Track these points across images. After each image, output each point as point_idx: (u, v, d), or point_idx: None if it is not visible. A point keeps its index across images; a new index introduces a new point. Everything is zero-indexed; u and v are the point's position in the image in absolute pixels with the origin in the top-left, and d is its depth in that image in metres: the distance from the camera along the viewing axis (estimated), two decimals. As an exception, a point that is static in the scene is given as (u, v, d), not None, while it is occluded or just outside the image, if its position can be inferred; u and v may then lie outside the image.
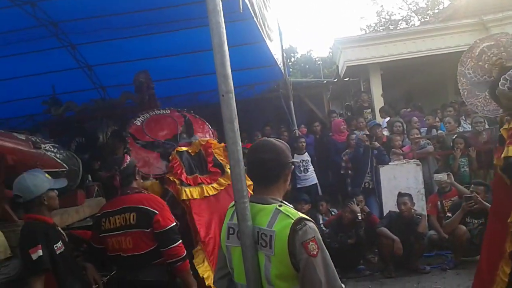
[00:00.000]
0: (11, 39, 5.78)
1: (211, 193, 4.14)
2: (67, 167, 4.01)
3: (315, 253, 1.90)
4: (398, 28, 22.17)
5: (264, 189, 2.12)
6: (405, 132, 7.80)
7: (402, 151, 7.36)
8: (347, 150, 7.73)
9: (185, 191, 4.01)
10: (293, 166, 2.19)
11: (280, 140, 2.24)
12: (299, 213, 2.00)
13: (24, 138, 3.76)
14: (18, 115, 7.71)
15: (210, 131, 4.88)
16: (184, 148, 4.30)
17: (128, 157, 3.44)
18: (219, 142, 4.52)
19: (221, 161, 4.34)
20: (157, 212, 3.15)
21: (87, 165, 5.12)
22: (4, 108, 7.36)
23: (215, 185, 4.21)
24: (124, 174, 3.28)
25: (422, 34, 10.54)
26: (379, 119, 9.41)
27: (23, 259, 2.91)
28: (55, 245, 2.97)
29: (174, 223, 3.24)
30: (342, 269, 5.11)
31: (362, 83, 11.78)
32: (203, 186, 4.13)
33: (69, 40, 6.39)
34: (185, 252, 3.29)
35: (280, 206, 2.01)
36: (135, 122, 4.73)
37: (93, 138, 6.25)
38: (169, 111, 5.01)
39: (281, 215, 1.97)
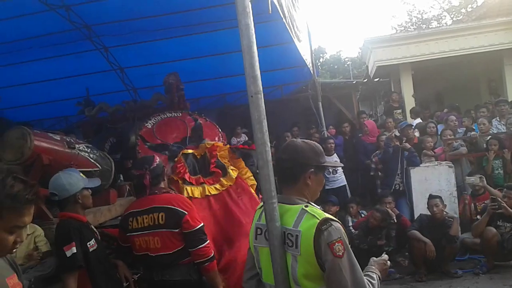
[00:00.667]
0: (47, 42, 5.98)
1: (212, 193, 4.19)
2: (100, 167, 4.10)
3: (341, 254, 1.88)
4: (429, 27, 21.67)
5: (289, 189, 2.13)
6: (438, 134, 7.65)
7: (434, 152, 7.21)
8: (377, 152, 7.63)
9: (186, 189, 4.08)
10: (319, 169, 2.12)
11: (310, 142, 2.22)
12: (325, 213, 2.00)
13: (59, 138, 3.86)
14: (53, 116, 7.95)
15: (220, 134, 4.93)
16: (190, 151, 4.39)
17: (157, 158, 3.47)
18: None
19: (224, 163, 4.40)
20: (187, 213, 3.17)
21: (119, 165, 5.22)
22: (40, 109, 7.62)
23: (217, 185, 4.26)
24: (153, 174, 3.31)
25: (455, 33, 10.27)
26: (409, 120, 9.24)
27: (58, 256, 3.00)
28: (88, 243, 3.04)
29: (202, 224, 3.26)
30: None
31: (393, 84, 11.59)
32: (205, 185, 4.20)
33: (102, 43, 6.55)
34: (213, 252, 3.31)
35: (306, 206, 2.01)
36: (146, 125, 4.84)
37: (125, 138, 6.38)
38: (180, 114, 5.10)
39: (307, 215, 1.97)
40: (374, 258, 2.27)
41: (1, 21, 5.02)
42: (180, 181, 4.11)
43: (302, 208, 2.01)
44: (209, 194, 4.15)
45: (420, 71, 10.78)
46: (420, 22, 25.38)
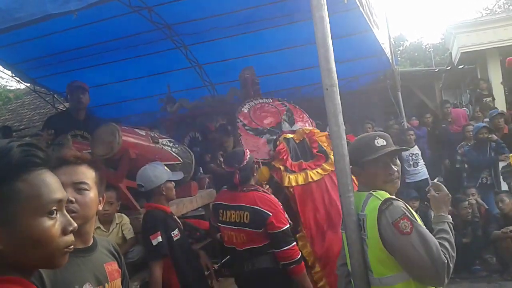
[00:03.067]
0: (132, 43, 6.35)
1: (315, 178, 4.05)
2: (181, 160, 4.27)
3: (408, 230, 1.85)
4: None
5: (359, 180, 2.21)
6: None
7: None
8: (462, 143, 7.20)
9: (289, 177, 4.00)
10: (366, 164, 2.13)
11: (358, 140, 2.28)
12: (389, 195, 1.98)
13: (144, 134, 4.08)
14: (138, 112, 8.38)
15: (309, 121, 4.86)
16: (290, 135, 4.31)
17: (248, 152, 3.45)
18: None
19: (325, 148, 4.29)
20: (271, 214, 3.15)
21: (199, 158, 5.41)
22: (127, 106, 8.09)
23: (319, 170, 4.13)
24: (243, 172, 3.32)
25: (550, 14, 9.38)
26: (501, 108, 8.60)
27: (145, 245, 3.19)
28: (172, 233, 3.19)
29: (288, 225, 3.22)
30: (455, 269, 4.80)
31: (479, 71, 10.83)
32: (308, 171, 4.09)
33: (182, 41, 6.82)
34: (300, 254, 3.26)
35: (374, 191, 2.01)
36: (242, 109, 4.84)
37: (204, 132, 6.61)
38: (271, 100, 5.09)
39: (372, 197, 1.99)
40: (436, 196, 2.14)
41: (90, 25, 5.41)
42: (282, 168, 4.05)
43: (370, 193, 2.03)
44: (311, 180, 4.03)
45: (509, 56, 9.97)
46: (508, 4, 23.39)
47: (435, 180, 2.27)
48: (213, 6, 5.50)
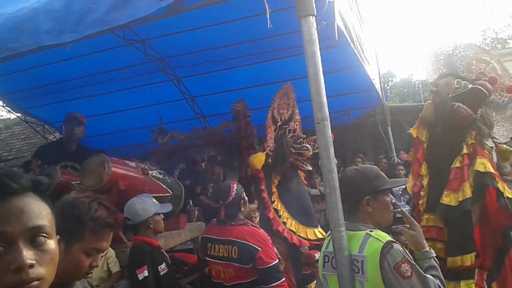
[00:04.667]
0: (125, 75, 6.39)
1: None
2: (171, 192, 4.24)
3: (409, 274, 1.84)
4: (506, 47, 20.48)
5: (352, 218, 2.12)
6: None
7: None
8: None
9: None
10: (376, 193, 2.09)
11: (363, 168, 2.21)
12: (389, 236, 1.95)
13: (134, 165, 4.06)
14: (129, 143, 8.34)
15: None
16: None
17: (235, 186, 3.36)
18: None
19: None
20: (260, 249, 3.08)
21: (189, 190, 5.36)
22: (117, 137, 8.05)
23: None
24: (229, 209, 3.26)
25: (536, 52, 9.66)
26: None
27: (131, 279, 3.11)
28: (159, 267, 3.13)
29: (277, 261, 3.16)
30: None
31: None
32: None
33: (175, 73, 6.88)
34: None
35: (371, 231, 1.98)
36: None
37: (194, 164, 6.58)
38: None
39: (371, 239, 1.95)
40: (414, 234, 2.09)
41: (84, 56, 5.46)
42: None
43: (367, 233, 1.99)
44: None
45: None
46: (495, 42, 24.07)
47: (401, 210, 2.22)
48: (206, 40, 5.58)
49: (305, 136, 4.47)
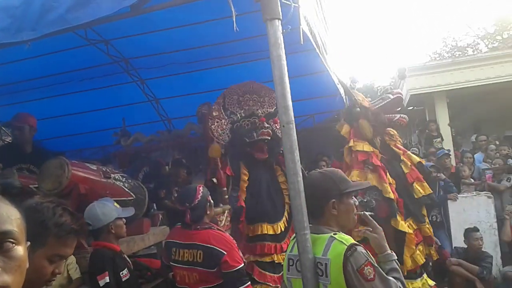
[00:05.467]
0: (87, 76, 6.22)
1: None
2: (134, 196, 4.16)
3: (372, 277, 1.87)
4: (465, 54, 21.32)
5: (317, 221, 2.13)
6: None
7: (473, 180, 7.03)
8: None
9: None
10: (342, 196, 2.11)
11: (328, 171, 2.22)
12: (352, 239, 1.98)
13: (95, 168, 3.96)
14: (91, 146, 8.16)
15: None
16: None
17: (201, 189, 3.34)
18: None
19: None
20: (225, 253, 3.07)
21: (153, 194, 5.29)
22: (78, 140, 7.85)
23: None
24: (195, 211, 3.22)
25: (491, 61, 10.05)
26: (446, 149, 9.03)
27: (91, 285, 3.03)
28: (121, 272, 3.06)
29: (243, 264, 3.15)
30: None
31: (427, 112, 11.37)
32: None
33: (139, 75, 6.76)
34: None
35: (335, 234, 2.00)
36: None
37: (158, 167, 6.49)
38: None
39: (335, 242, 1.96)
40: (377, 237, 2.14)
41: (44, 56, 5.27)
42: None
43: (331, 236, 2.00)
44: None
45: (455, 99, 10.56)
46: (455, 50, 24.99)
47: (363, 213, 2.25)
48: (172, 41, 5.51)
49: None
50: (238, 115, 4.96)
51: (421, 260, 4.54)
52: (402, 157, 4.67)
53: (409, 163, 4.61)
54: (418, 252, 4.52)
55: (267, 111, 5.01)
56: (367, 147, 4.68)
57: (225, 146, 4.86)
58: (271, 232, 4.50)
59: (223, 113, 5.02)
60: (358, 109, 4.60)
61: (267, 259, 4.47)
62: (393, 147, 4.74)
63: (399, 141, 4.93)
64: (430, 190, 4.74)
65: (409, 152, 4.97)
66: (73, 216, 1.64)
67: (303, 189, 2.13)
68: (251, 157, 4.85)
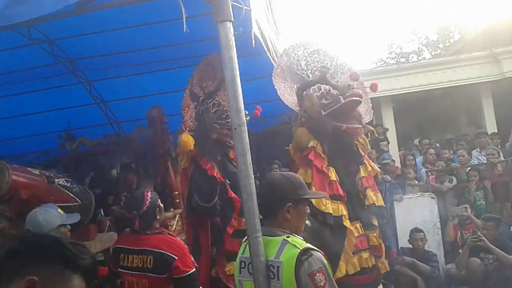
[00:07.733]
0: (29, 77, 5.93)
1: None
2: (80, 202, 4.03)
3: (322, 284, 1.87)
4: (409, 61, 22.30)
5: (270, 223, 2.12)
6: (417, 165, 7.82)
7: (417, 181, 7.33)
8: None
9: None
10: (298, 202, 2.12)
11: (289, 175, 2.22)
12: (306, 243, 1.98)
13: (38, 173, 3.80)
14: (33, 150, 7.81)
15: None
16: None
17: (149, 194, 3.24)
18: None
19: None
20: (176, 258, 3.01)
21: (100, 199, 5.13)
22: (20, 143, 7.49)
23: None
24: (143, 218, 3.14)
25: (434, 67, 10.59)
26: (392, 152, 9.37)
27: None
28: (66, 281, 2.93)
29: (194, 269, 3.10)
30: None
31: (374, 116, 11.77)
32: None
33: (86, 76, 6.53)
34: None
35: (288, 237, 2.00)
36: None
37: (106, 172, 6.30)
38: None
39: (288, 245, 1.97)
40: None
41: (-19, 55, 4.99)
42: None
43: (284, 239, 2.00)
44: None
45: (400, 103, 11.00)
46: (399, 56, 26.06)
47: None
48: (120, 42, 5.36)
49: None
50: (201, 95, 4.47)
51: (365, 263, 4.43)
52: (364, 161, 4.64)
53: (370, 169, 4.60)
54: (364, 256, 4.44)
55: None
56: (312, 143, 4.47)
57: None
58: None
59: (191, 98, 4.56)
60: (303, 118, 4.46)
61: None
62: (361, 150, 4.69)
63: (368, 150, 4.92)
64: (383, 204, 4.76)
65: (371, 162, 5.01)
66: (11, 222, 1.55)
67: (259, 187, 2.14)
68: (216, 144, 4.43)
